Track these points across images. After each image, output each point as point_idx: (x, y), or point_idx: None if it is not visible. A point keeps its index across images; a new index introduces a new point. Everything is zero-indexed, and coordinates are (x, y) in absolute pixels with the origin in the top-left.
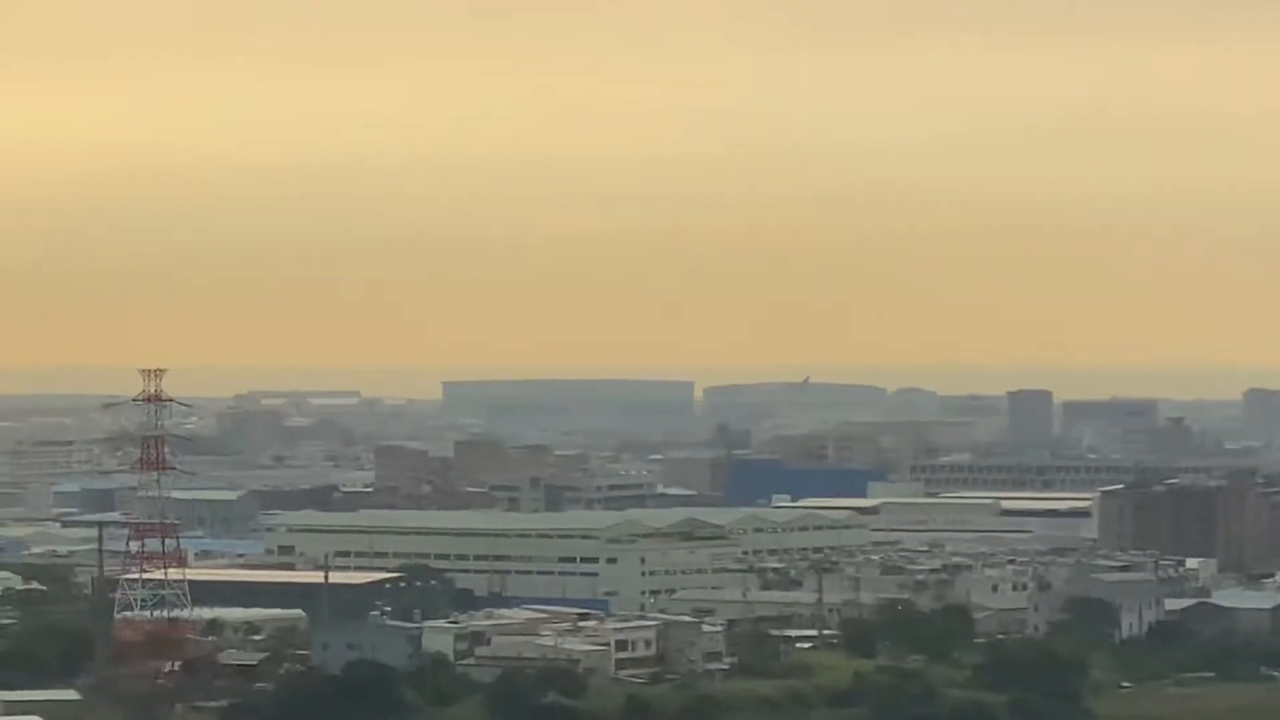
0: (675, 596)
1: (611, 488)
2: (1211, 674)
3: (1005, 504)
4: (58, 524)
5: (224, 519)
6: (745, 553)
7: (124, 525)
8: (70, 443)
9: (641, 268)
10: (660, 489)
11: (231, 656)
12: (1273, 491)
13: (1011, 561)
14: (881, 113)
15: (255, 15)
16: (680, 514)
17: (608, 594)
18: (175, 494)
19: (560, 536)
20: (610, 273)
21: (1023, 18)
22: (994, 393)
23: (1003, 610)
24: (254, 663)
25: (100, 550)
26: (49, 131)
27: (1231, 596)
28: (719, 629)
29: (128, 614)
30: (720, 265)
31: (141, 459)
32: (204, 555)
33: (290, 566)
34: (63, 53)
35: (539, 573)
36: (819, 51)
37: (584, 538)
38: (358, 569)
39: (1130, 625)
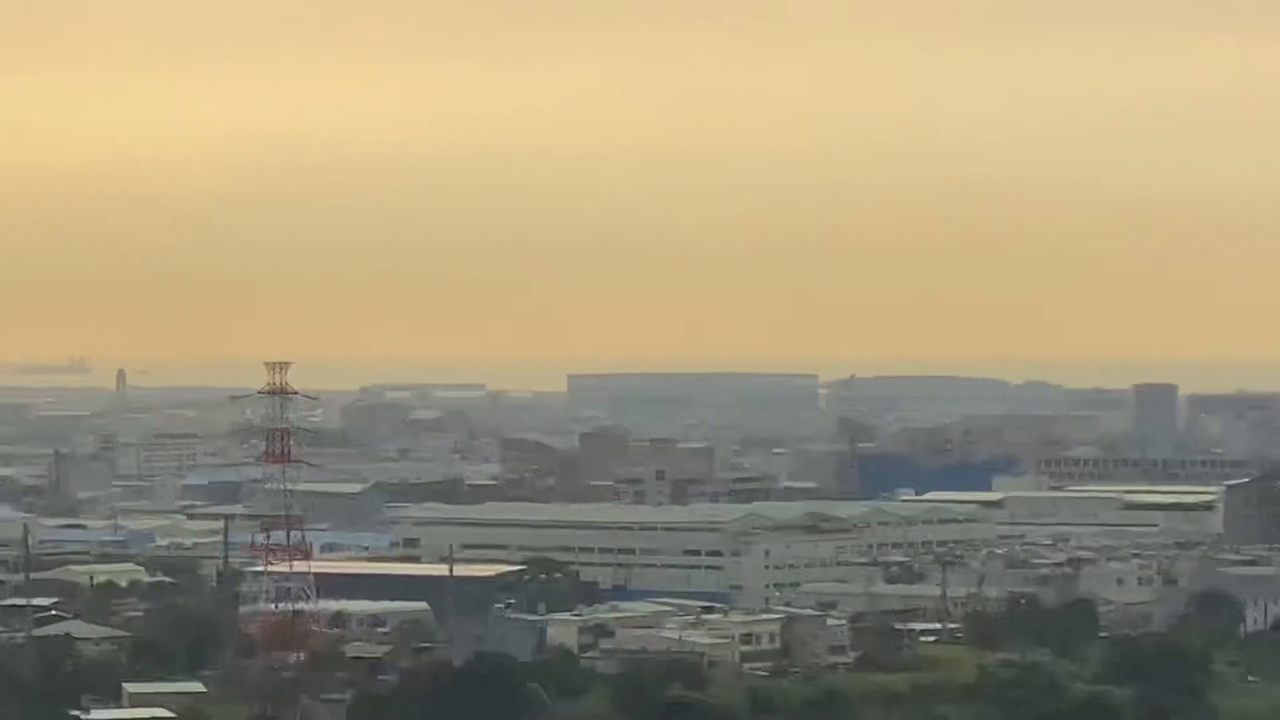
0: (799, 590)
1: (736, 481)
2: None
3: (1130, 498)
4: (184, 516)
5: (349, 512)
6: (870, 546)
7: (250, 518)
8: (197, 435)
9: (768, 260)
10: (785, 482)
11: (356, 649)
12: None
13: (1137, 555)
14: (1015, 107)
15: (405, 8)
16: (805, 507)
17: (732, 587)
18: (301, 487)
19: (685, 529)
20: (736, 265)
21: (1152, 15)
22: (1119, 386)
23: (1127, 604)
24: (379, 655)
25: (226, 543)
26: (187, 125)
27: None
28: (843, 622)
29: (253, 606)
30: (848, 257)
31: (267, 452)
32: (329, 548)
33: (415, 559)
34: (207, 47)
35: (664, 566)
36: (955, 46)
37: (709, 531)
38: (483, 562)
39: (1256, 619)
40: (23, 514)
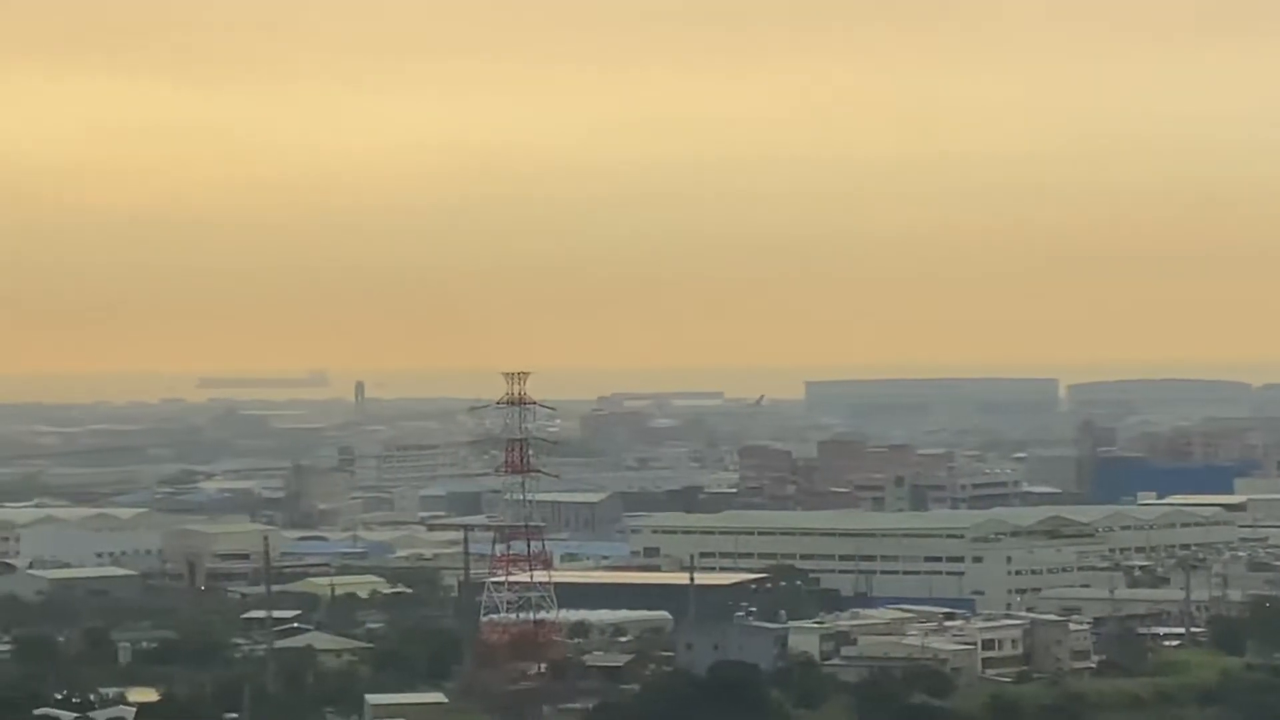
0: (1041, 595)
1: (976, 486)
2: None
3: None
4: (424, 527)
5: (588, 521)
6: (1111, 550)
7: (489, 528)
8: (436, 446)
9: (1003, 264)
10: (1025, 487)
11: (597, 658)
12: None
13: None
14: (1221, 110)
15: (617, 15)
16: (1045, 512)
17: (974, 593)
18: (540, 497)
19: (925, 536)
20: (972, 269)
21: None
22: None
23: None
24: (619, 664)
25: (466, 553)
26: (411, 135)
27: None
28: (1086, 627)
29: (494, 617)
30: (1080, 261)
31: (506, 462)
32: (569, 558)
33: (655, 568)
34: (418, 58)
35: (904, 572)
36: (1168, 48)
37: (949, 536)
38: (723, 570)
39: None
40: (263, 526)
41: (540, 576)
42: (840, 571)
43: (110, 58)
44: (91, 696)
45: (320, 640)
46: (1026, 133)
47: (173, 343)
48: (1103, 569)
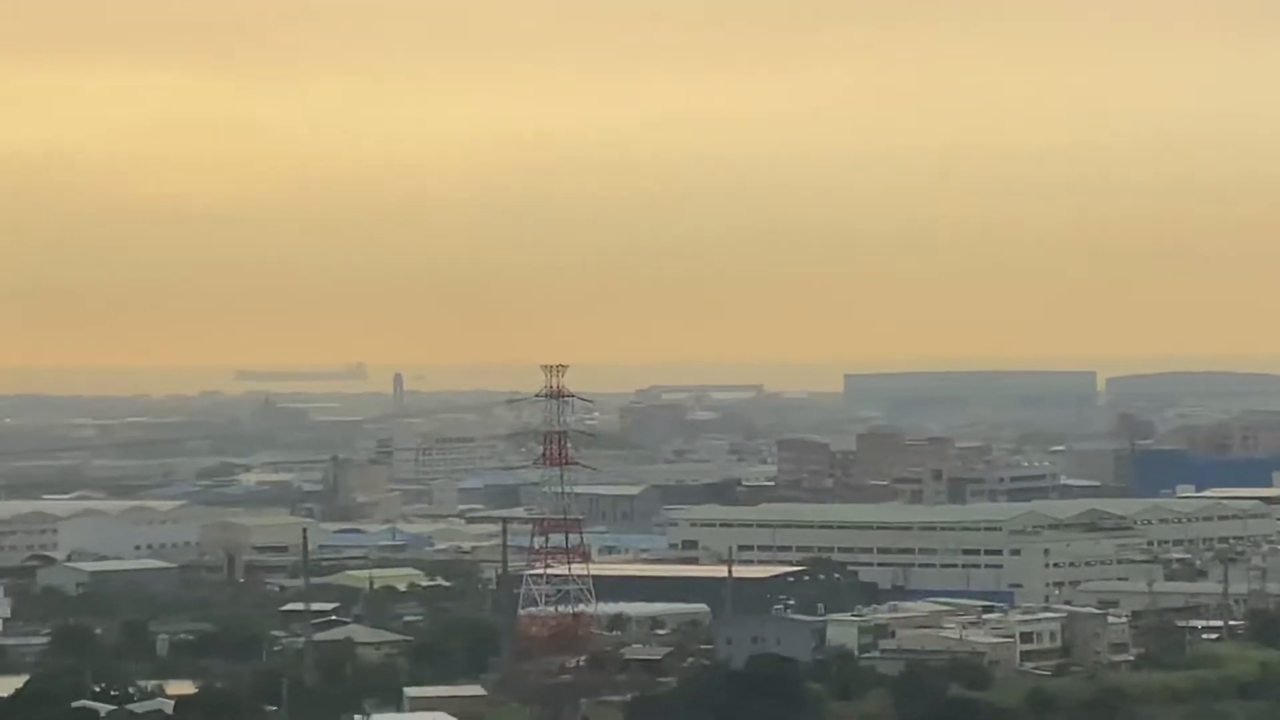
0: (1079, 588)
1: (1014, 479)
2: None
3: None
4: (462, 520)
5: (626, 514)
6: (1150, 543)
7: (528, 521)
8: (474, 439)
9: (1042, 258)
10: (1063, 480)
11: (635, 651)
12: None
13: None
14: (1259, 104)
15: (669, 14)
16: (1084, 505)
17: (1012, 586)
18: (578, 489)
19: (963, 529)
20: (1011, 263)
21: None
22: None
23: None
24: (658, 657)
25: (504, 546)
26: (457, 131)
27: None
28: (1124, 620)
29: (532, 609)
30: (1119, 254)
31: (544, 455)
32: (607, 550)
33: (693, 561)
34: (477, 54)
35: (943, 565)
36: (1229, 43)
37: (987, 530)
38: (761, 563)
39: None
40: (302, 519)
41: (578, 569)
42: (878, 564)
43: (148, 54)
44: (130, 689)
45: (359, 633)
46: (1063, 126)
47: (212, 336)
48: (1141, 562)
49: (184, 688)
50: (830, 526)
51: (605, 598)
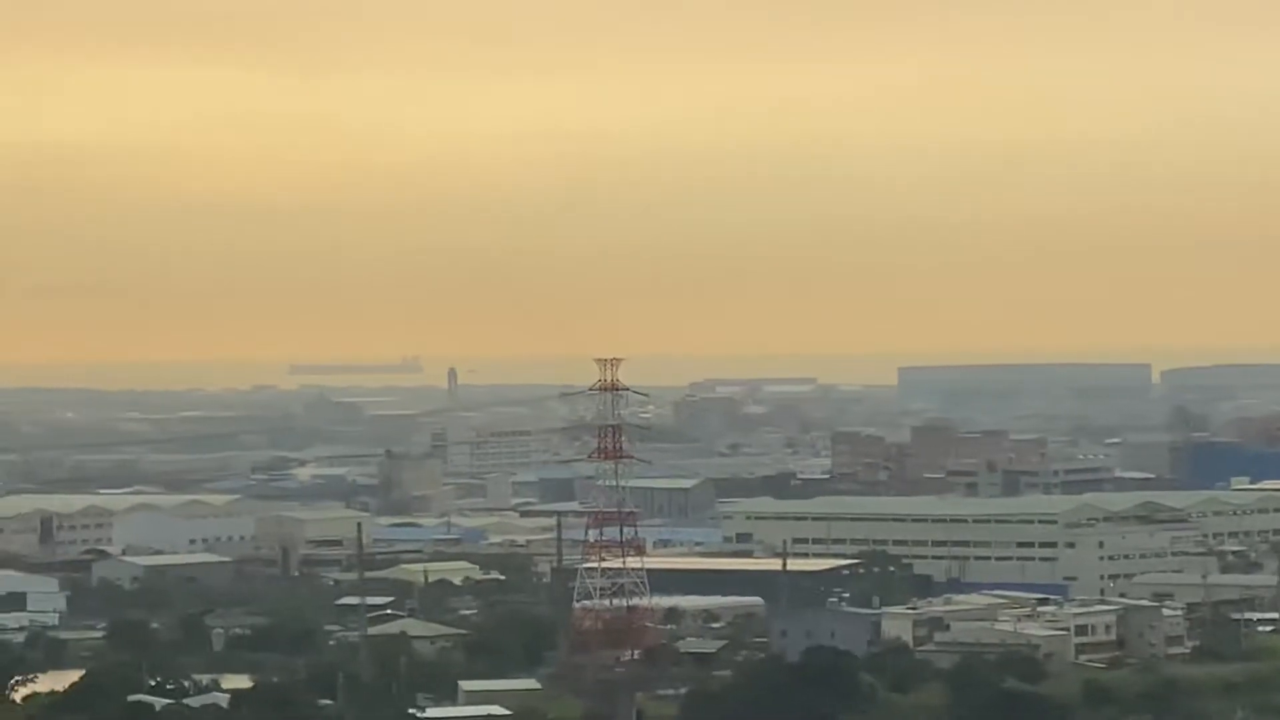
0: (1134, 580)
1: (1069, 472)
2: None
3: None
4: (516, 514)
5: (681, 507)
6: (1205, 536)
7: (582, 514)
8: (528, 433)
9: (1097, 248)
10: (1118, 472)
11: (690, 644)
12: None
13: None
14: None
15: (713, 3)
16: (1139, 497)
17: (1066, 579)
18: (632, 483)
19: (1018, 521)
20: (1065, 254)
21: None
22: None
23: None
24: (713, 650)
25: (559, 539)
26: (507, 124)
27: None
28: (1179, 613)
29: (587, 603)
30: (1176, 245)
31: (599, 448)
32: (662, 544)
33: (748, 554)
34: (525, 46)
35: (997, 558)
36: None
37: (1042, 522)
38: (815, 556)
39: None
40: (356, 513)
41: (633, 562)
42: (933, 557)
43: (200, 48)
44: (185, 683)
45: (413, 627)
46: (1128, 118)
47: (266, 330)
48: (1196, 554)
49: (239, 681)
50: (885, 519)
51: (660, 591)
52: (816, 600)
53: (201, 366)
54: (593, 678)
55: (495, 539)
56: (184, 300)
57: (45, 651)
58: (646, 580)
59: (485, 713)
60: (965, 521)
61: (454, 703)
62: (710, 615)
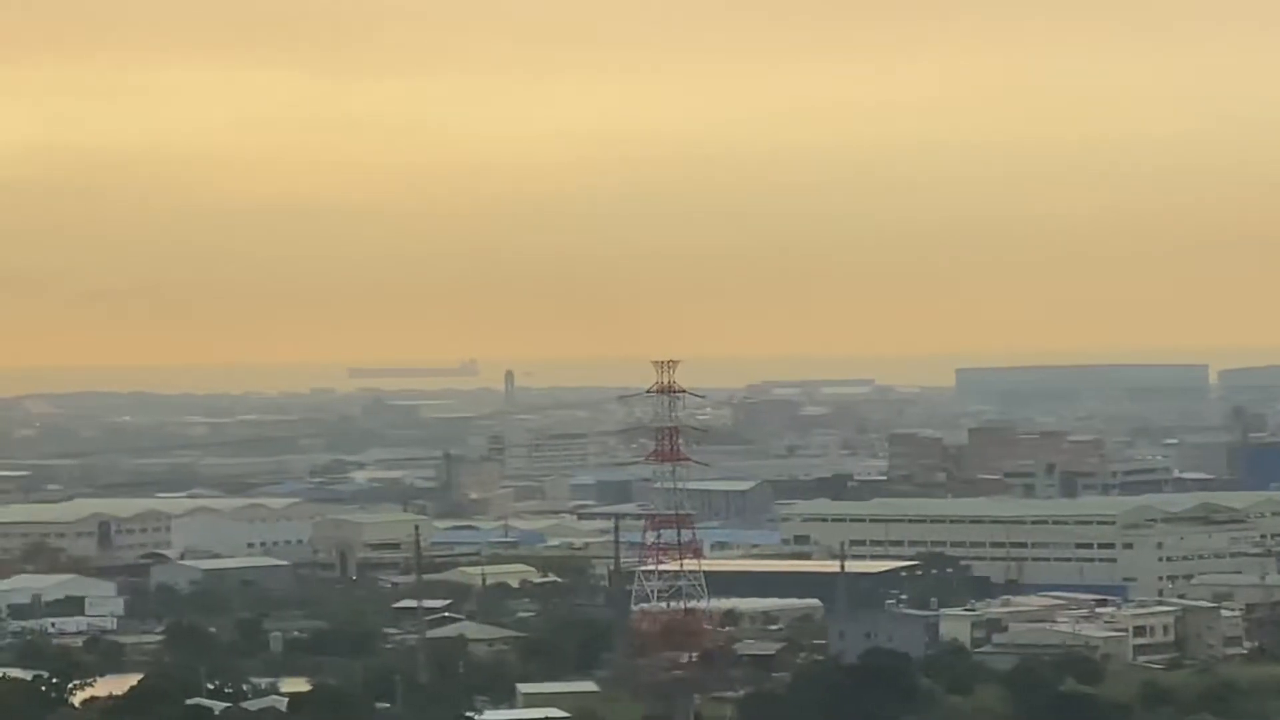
0: (1193, 581)
1: (1127, 473)
2: None
3: None
4: (574, 516)
5: (739, 509)
6: (1263, 536)
7: (640, 516)
8: (585, 435)
9: (1153, 248)
10: (1176, 473)
11: (748, 646)
12: None
13: None
14: None
15: (762, 6)
16: (1197, 498)
17: (1125, 579)
18: (690, 485)
19: (1076, 522)
20: (1122, 254)
21: None
22: None
23: None
24: (771, 652)
25: (616, 542)
26: (559, 124)
27: None
28: (1237, 614)
29: (644, 605)
30: (1232, 244)
31: (656, 450)
32: (719, 546)
33: (805, 556)
34: (571, 45)
35: (1055, 559)
36: None
37: (1100, 523)
38: (873, 558)
39: None
40: (414, 516)
41: (691, 565)
42: (991, 559)
43: (264, 50)
44: (244, 686)
45: (471, 630)
46: (1176, 116)
47: (324, 333)
48: (1254, 555)
49: (297, 685)
50: (942, 521)
51: (717, 593)
52: (874, 602)
53: (259, 370)
54: (651, 680)
55: (553, 541)
56: (240, 303)
57: (104, 655)
58: (704, 582)
59: (543, 715)
60: (1023, 523)
61: (512, 705)
62: (768, 617)
